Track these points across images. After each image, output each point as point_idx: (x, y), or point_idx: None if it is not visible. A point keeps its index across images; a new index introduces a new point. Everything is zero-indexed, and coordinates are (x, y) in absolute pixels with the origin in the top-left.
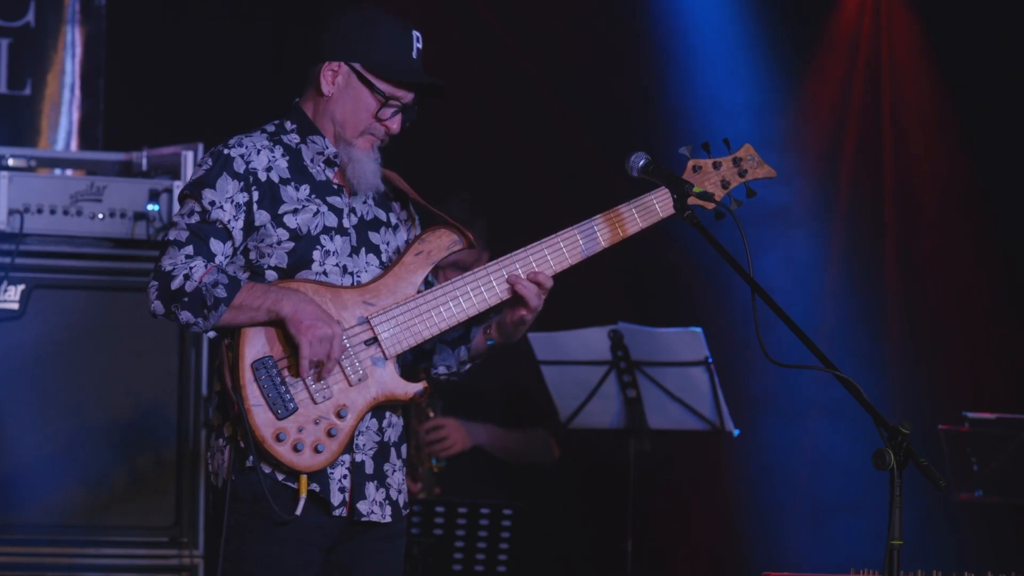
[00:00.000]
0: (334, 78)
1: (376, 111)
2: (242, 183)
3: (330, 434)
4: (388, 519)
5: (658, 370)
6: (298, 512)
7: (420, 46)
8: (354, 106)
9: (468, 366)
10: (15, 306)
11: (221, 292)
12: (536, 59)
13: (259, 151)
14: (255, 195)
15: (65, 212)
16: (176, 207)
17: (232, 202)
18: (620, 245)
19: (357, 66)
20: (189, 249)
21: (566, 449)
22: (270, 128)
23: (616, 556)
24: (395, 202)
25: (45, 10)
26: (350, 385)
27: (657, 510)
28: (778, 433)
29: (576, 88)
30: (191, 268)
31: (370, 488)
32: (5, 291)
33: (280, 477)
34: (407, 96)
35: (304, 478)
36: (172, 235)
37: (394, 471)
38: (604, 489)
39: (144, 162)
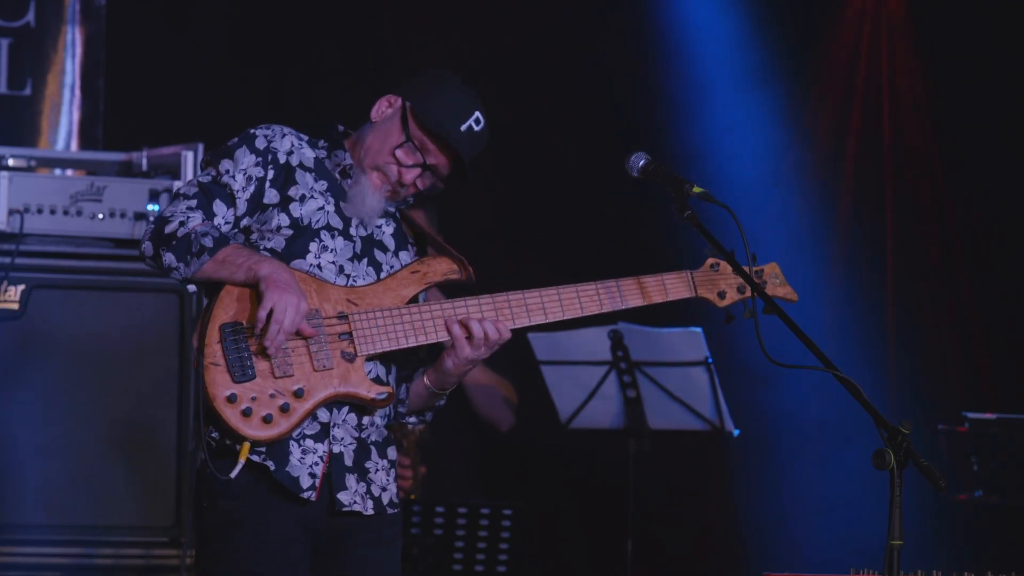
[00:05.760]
0: (387, 107)
1: (394, 148)
2: (260, 159)
3: (282, 409)
4: (370, 511)
5: (658, 370)
6: (233, 475)
7: (479, 128)
8: (383, 136)
9: (417, 416)
10: (15, 306)
11: (208, 242)
12: (539, 67)
13: (284, 136)
14: (270, 172)
15: (65, 212)
16: None
17: (245, 174)
18: (620, 248)
19: (408, 104)
20: (193, 203)
21: (566, 449)
22: (304, 136)
23: (616, 556)
24: (413, 245)
25: (45, 10)
26: (314, 370)
27: (657, 510)
28: (778, 433)
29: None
30: (188, 217)
31: (351, 480)
32: (5, 291)
33: (230, 443)
34: (431, 149)
35: (246, 444)
36: (183, 189)
37: (377, 470)
38: (604, 489)
39: (144, 162)
